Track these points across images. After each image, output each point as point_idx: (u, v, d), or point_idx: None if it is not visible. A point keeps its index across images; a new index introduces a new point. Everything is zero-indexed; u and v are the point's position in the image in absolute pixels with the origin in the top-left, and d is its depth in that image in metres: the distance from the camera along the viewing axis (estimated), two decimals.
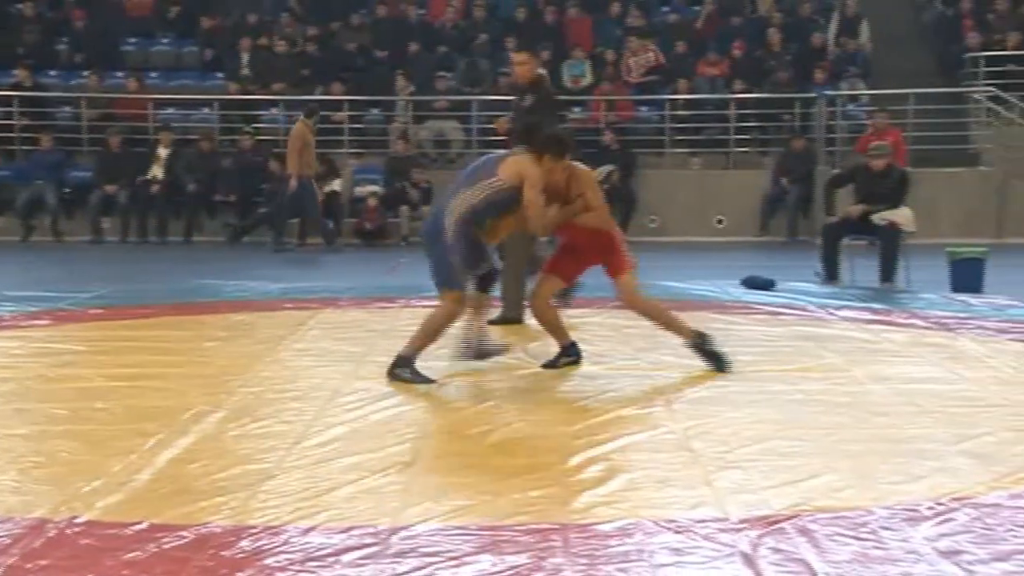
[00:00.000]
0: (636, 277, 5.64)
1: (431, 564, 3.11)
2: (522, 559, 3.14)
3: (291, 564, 3.12)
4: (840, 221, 9.21)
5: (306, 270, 10.86)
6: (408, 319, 7.21)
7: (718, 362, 5.53)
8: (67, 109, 14.45)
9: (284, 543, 3.27)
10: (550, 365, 5.64)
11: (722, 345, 5.64)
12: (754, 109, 14.24)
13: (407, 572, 3.06)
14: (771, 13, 15.42)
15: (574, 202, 5.42)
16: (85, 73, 14.57)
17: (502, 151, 5.55)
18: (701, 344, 5.57)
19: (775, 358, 6.02)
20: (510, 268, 6.72)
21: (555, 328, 5.71)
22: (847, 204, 9.45)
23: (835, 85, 14.50)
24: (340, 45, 15.25)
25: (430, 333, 5.36)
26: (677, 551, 3.22)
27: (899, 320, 7.25)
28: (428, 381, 5.28)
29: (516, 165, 5.26)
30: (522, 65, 6.90)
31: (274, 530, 3.36)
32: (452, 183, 5.47)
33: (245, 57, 14.74)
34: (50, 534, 3.33)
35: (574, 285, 6.21)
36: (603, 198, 5.54)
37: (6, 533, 3.32)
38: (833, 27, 15.39)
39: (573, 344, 5.70)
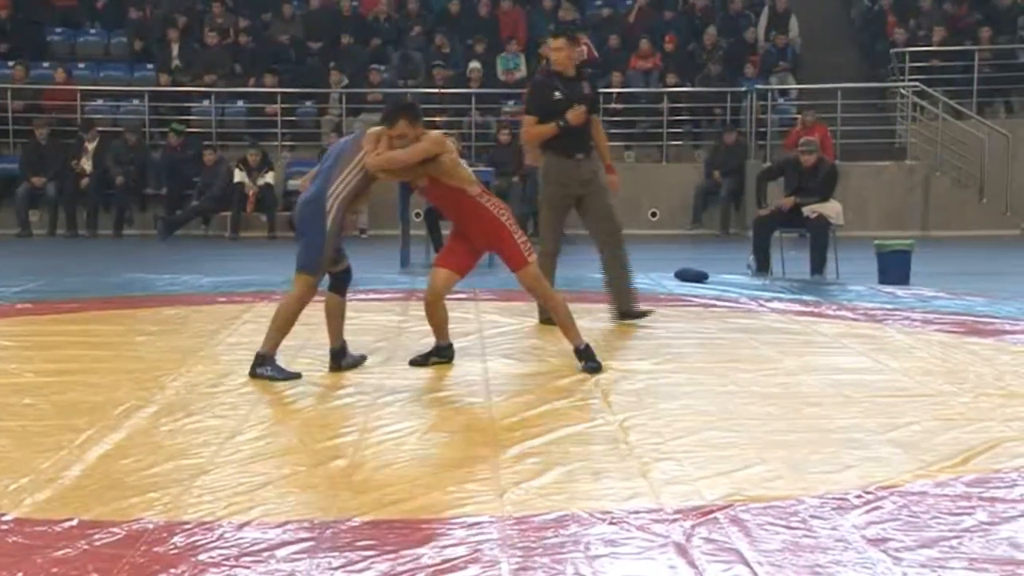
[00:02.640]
0: (536, 266, 5.53)
1: (367, 558, 3.11)
2: (458, 552, 3.15)
3: (225, 560, 3.10)
4: (771, 214, 9.33)
5: (239, 263, 10.75)
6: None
7: (592, 369, 5.42)
8: None
9: (218, 538, 3.24)
10: (418, 362, 5.57)
11: (600, 349, 5.63)
12: (687, 103, 14.37)
13: (343, 566, 3.06)
14: (703, 7, 15.57)
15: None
16: (10, 63, 14.27)
17: (349, 137, 5.53)
18: (587, 355, 5.48)
19: (708, 350, 6.09)
20: (616, 261, 6.77)
21: (438, 327, 5.61)
22: (778, 197, 9.58)
23: (765, 79, 14.70)
24: (272, 37, 15.11)
25: (284, 323, 5.32)
26: (612, 542, 3.25)
27: (828, 312, 7.38)
28: (293, 376, 5.27)
29: (373, 135, 5.29)
30: (559, 51, 6.73)
31: (208, 525, 3.33)
32: (320, 167, 5.37)
33: (175, 48, 14.53)
34: None
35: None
36: (422, 150, 5.25)
37: None
38: (763, 22, 15.59)
39: (449, 346, 5.65)
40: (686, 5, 15.89)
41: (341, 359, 5.48)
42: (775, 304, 7.64)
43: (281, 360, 5.35)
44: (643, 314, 6.86)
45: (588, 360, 5.47)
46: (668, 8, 15.81)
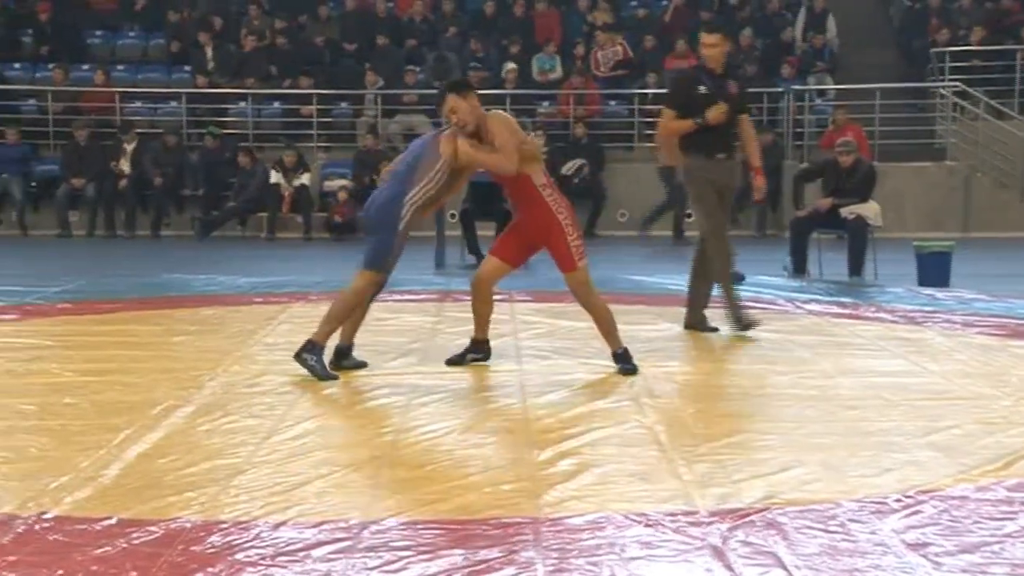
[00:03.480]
0: (587, 272, 5.44)
1: (402, 558, 3.11)
2: (493, 553, 3.15)
3: (261, 559, 3.11)
4: (808, 215, 9.27)
5: (276, 264, 10.81)
6: (378, 313, 7.20)
7: (630, 373, 5.39)
8: (32, 102, 14.31)
9: (254, 538, 3.26)
10: (455, 362, 5.55)
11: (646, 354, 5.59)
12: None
13: (378, 567, 3.06)
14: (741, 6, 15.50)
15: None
16: (50, 66, 14.43)
17: (429, 134, 5.55)
18: (623, 358, 5.45)
19: (744, 352, 6.06)
20: (707, 275, 6.54)
21: (480, 318, 5.57)
22: (815, 198, 9.52)
23: (803, 80, 14.60)
24: (308, 38, 15.18)
25: (338, 314, 5.31)
26: (648, 544, 3.23)
27: (867, 314, 7.32)
28: (331, 377, 5.26)
29: (450, 140, 5.29)
30: (713, 48, 6.51)
31: (244, 525, 3.35)
32: (397, 168, 5.37)
33: (209, 51, 14.62)
34: (18, 530, 3.30)
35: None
36: (514, 141, 5.26)
37: None
38: (800, 22, 15.49)
39: (486, 342, 5.61)
40: (723, 5, 15.82)
41: (344, 359, 5.42)
42: (812, 306, 7.59)
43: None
44: (714, 330, 6.54)
45: (624, 363, 5.45)
46: (704, 8, 15.74)
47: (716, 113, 6.41)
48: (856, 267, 9.04)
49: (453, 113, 5.28)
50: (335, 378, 5.28)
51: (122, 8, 15.73)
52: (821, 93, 14.60)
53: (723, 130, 6.53)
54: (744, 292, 8.16)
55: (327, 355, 5.33)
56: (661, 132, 6.89)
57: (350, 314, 5.37)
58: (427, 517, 3.43)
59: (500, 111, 5.48)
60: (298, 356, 5.29)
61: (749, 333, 6.36)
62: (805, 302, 7.73)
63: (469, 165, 5.36)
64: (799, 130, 13.98)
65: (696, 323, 6.61)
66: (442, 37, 15.12)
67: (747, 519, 3.40)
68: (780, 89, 14.13)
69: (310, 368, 5.24)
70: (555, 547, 3.20)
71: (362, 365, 5.49)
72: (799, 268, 9.21)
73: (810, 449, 4.18)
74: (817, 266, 9.31)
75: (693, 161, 6.58)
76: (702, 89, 6.47)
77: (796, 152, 13.90)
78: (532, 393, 5.08)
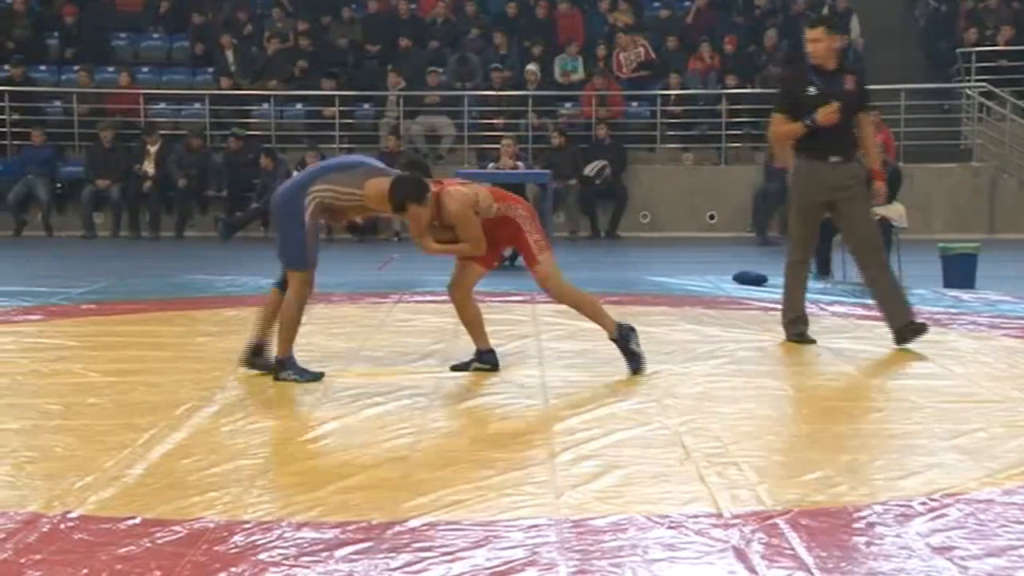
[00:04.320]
0: (553, 264, 5.39)
1: (425, 559, 3.11)
2: (516, 554, 3.14)
3: (284, 559, 3.12)
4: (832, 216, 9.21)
5: None
6: (400, 315, 7.22)
7: (634, 362, 5.35)
8: (58, 104, 14.41)
9: (277, 538, 3.26)
10: (460, 368, 5.44)
11: (644, 346, 5.48)
12: (747, 104, 14.25)
13: (401, 567, 3.06)
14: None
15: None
16: (75, 68, 14.52)
17: (374, 162, 5.39)
18: (624, 340, 5.37)
19: (767, 354, 6.03)
20: (883, 276, 6.13)
21: (475, 328, 5.47)
22: None
23: None
24: (331, 40, 15.22)
25: (290, 323, 5.25)
26: (670, 546, 3.22)
27: None
28: (316, 377, 5.24)
29: (382, 196, 5.14)
30: (817, 43, 6.03)
31: (267, 525, 3.35)
32: (314, 165, 5.32)
33: (230, 55, 14.67)
34: (44, 529, 3.32)
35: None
36: (474, 224, 5.25)
37: (0, 528, 3.32)
38: None
39: (491, 351, 5.48)
40: (747, 6, 15.76)
41: (257, 357, 5.33)
42: (836, 308, 7.54)
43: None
44: (922, 327, 6.06)
45: (626, 341, 5.38)
46: (728, 9, 15.69)
47: (826, 113, 5.92)
48: None
49: (416, 219, 5.18)
50: (320, 376, 5.26)
51: (147, 10, 15.82)
52: None
53: (838, 131, 5.99)
54: (767, 294, 8.14)
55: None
56: (771, 137, 6.53)
57: (300, 320, 5.27)
58: (449, 518, 3.42)
59: (453, 191, 5.31)
60: (277, 377, 5.24)
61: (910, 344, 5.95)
62: (828, 304, 7.68)
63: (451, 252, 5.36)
64: None
65: (903, 326, 6.04)
66: (464, 38, 15.13)
67: (770, 521, 3.38)
68: None
69: (294, 381, 5.20)
70: (577, 549, 3.19)
71: (269, 367, 5.31)
72: (823, 270, 9.16)
73: (834, 451, 4.15)
74: (841, 268, 9.26)
75: (803, 165, 6.19)
76: (812, 90, 6.02)
77: None
78: (554, 394, 5.07)
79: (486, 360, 5.49)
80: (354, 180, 5.19)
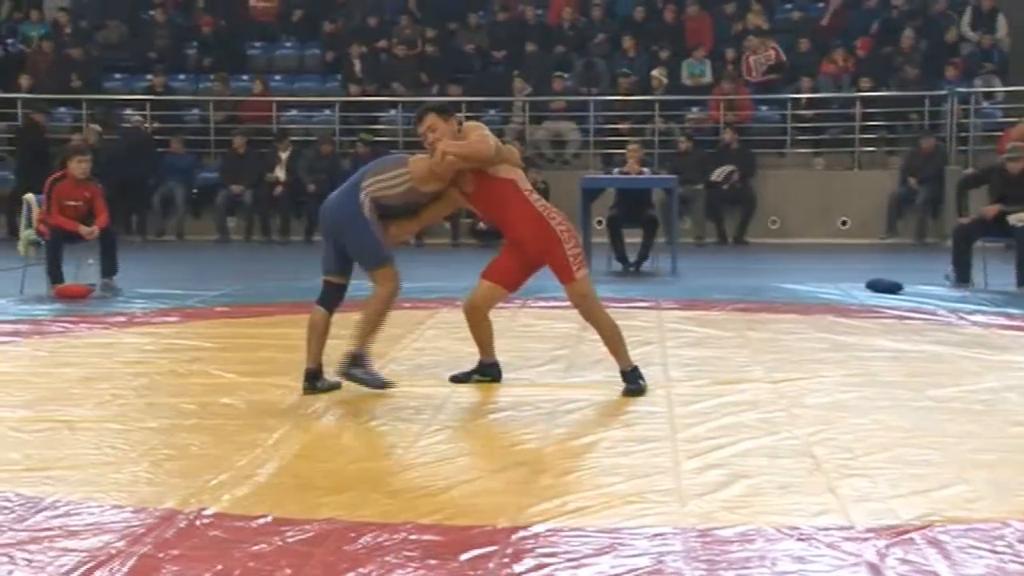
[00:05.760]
0: (588, 283, 5.10)
1: (549, 565, 3.09)
2: (641, 562, 3.11)
3: (410, 561, 3.14)
4: (973, 222, 8.92)
5: (424, 270, 10.96)
6: (525, 319, 7.23)
7: (634, 394, 5.08)
8: (195, 112, 14.87)
9: (403, 540, 3.29)
10: (459, 379, 5.28)
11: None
12: (881, 107, 13.89)
13: (525, 572, 3.05)
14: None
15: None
16: (212, 77, 14.96)
17: (397, 156, 5.36)
18: (632, 379, 5.13)
19: (902, 363, 5.85)
20: None
21: (481, 343, 5.29)
22: (980, 205, 9.15)
23: (969, 82, 14.04)
24: (458, 46, 15.36)
25: (376, 319, 5.10)
26: (800, 559, 3.14)
27: None
28: (384, 384, 5.11)
29: (422, 160, 5.08)
30: None
31: (393, 527, 3.38)
32: (357, 173, 5.24)
33: (357, 61, 14.91)
34: (180, 525, 3.41)
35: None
36: (482, 135, 5.01)
37: (140, 523, 3.43)
38: (966, 21, 14.91)
39: (494, 364, 5.32)
40: (885, 6, 15.36)
41: (316, 381, 5.15)
42: (977, 317, 7.28)
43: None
44: None
45: (631, 382, 5.12)
46: (863, 10, 15.32)
47: None
48: None
49: (431, 131, 5.03)
50: (389, 384, 5.14)
51: (280, 19, 16.21)
52: (988, 96, 14.02)
53: None
54: (903, 302, 7.91)
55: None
56: None
57: (382, 319, 5.13)
58: (573, 524, 3.40)
59: (474, 122, 5.26)
60: (345, 373, 5.11)
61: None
62: (969, 313, 7.42)
63: (440, 180, 5.07)
64: (963, 134, 13.46)
65: None
66: (591, 44, 15.10)
67: (906, 536, 3.27)
68: (943, 92, 13.64)
69: (360, 381, 5.10)
70: (704, 559, 3.14)
71: (336, 385, 5.17)
72: (962, 278, 8.86)
73: (974, 466, 4.00)
74: (982, 276, 8.94)
75: None
76: None
77: (960, 157, 13.39)
78: (679, 402, 5.00)
79: (488, 372, 5.31)
80: (398, 164, 5.15)
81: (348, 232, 5.09)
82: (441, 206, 5.33)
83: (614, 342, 5.19)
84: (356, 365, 5.14)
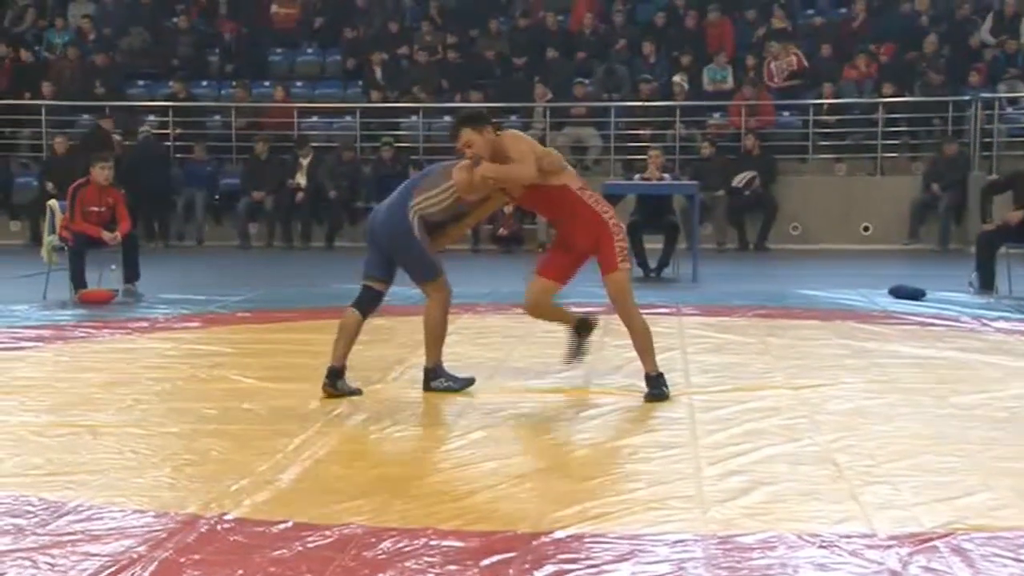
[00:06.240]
0: (628, 276, 5.24)
1: (570, 571, 3.09)
2: (661, 569, 3.10)
3: (431, 567, 3.14)
4: (997, 228, 8.87)
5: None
6: (546, 325, 7.21)
7: (656, 392, 5.15)
8: (217, 118, 14.94)
9: (423, 546, 3.29)
10: (575, 353, 5.55)
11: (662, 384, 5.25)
12: (904, 113, 13.83)
13: None
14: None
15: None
16: (233, 84, 15.03)
17: (447, 162, 5.37)
18: (656, 384, 5.17)
19: (924, 370, 5.82)
20: None
21: (562, 319, 5.60)
22: (1004, 211, 9.09)
23: (992, 87, 13.96)
24: (479, 52, 15.38)
25: (438, 333, 5.25)
26: (822, 566, 3.12)
27: None
28: (468, 382, 5.27)
29: (465, 168, 5.13)
30: None
31: (413, 532, 3.38)
32: (403, 183, 5.32)
33: (378, 68, 14.94)
34: (202, 530, 3.42)
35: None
36: (531, 152, 5.07)
37: (162, 527, 3.44)
38: (988, 26, 14.82)
39: (582, 320, 5.58)
40: (907, 11, 15.28)
41: (337, 380, 5.20)
42: (1001, 324, 7.23)
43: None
44: None
45: (654, 387, 5.16)
46: (887, 16, 15.25)
47: None
48: None
49: (468, 147, 5.10)
50: (472, 381, 5.30)
51: (301, 26, 16.27)
52: (1012, 101, 13.93)
53: None
54: (927, 309, 7.86)
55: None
56: None
57: (444, 329, 5.28)
58: (594, 530, 3.40)
59: (512, 130, 5.33)
60: (429, 386, 5.25)
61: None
62: (993, 320, 7.37)
63: (486, 189, 5.15)
64: (987, 140, 13.38)
65: None
66: (612, 50, 15.09)
67: (929, 544, 3.25)
68: (967, 97, 13.57)
69: (446, 389, 5.23)
70: (725, 565, 3.12)
71: (357, 392, 5.24)
72: (986, 284, 8.80)
73: (998, 474, 3.97)
74: (1006, 282, 8.87)
75: None
76: None
77: (984, 163, 13.31)
78: (700, 408, 4.99)
79: (583, 328, 5.57)
80: (441, 179, 5.22)
81: (400, 250, 5.24)
82: (488, 206, 5.43)
83: (644, 344, 5.25)
84: (436, 377, 5.27)
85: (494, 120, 5.23)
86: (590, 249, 5.25)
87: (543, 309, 5.52)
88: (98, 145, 13.27)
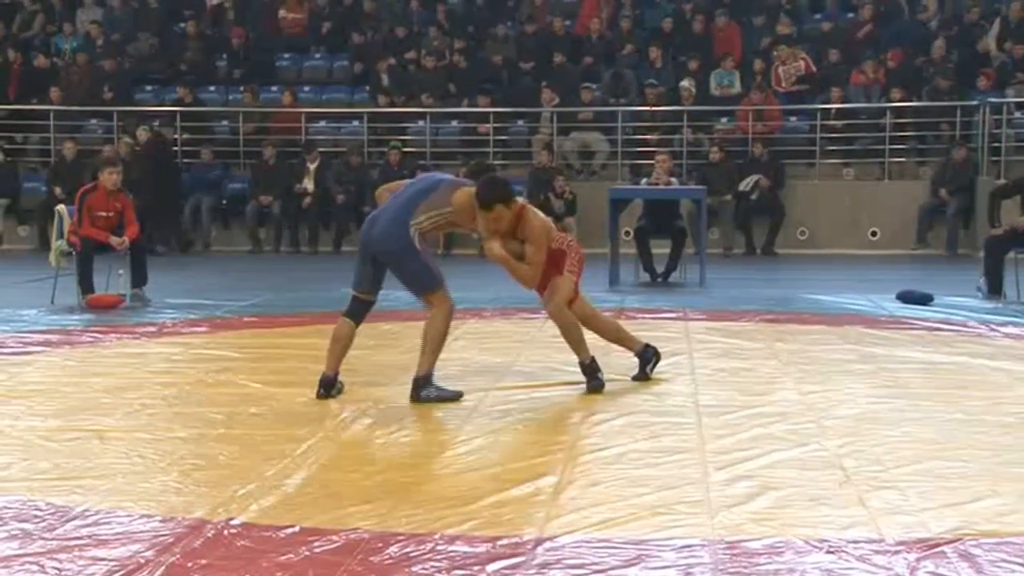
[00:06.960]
0: (571, 287, 5.46)
1: None
2: (669, 574, 3.09)
3: (437, 572, 3.14)
4: (1005, 233, 8.85)
5: (451, 281, 10.98)
6: (552, 330, 7.21)
7: (594, 382, 5.39)
8: (225, 123, 14.96)
9: (430, 551, 3.29)
10: (641, 375, 5.64)
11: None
12: (911, 118, 13.81)
13: None
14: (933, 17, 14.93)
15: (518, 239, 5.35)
16: (241, 89, 15.05)
17: (452, 178, 5.44)
18: (591, 370, 5.42)
19: (932, 375, 5.80)
20: None
21: (620, 340, 5.74)
22: (1012, 216, 9.07)
23: (1000, 92, 13.94)
24: (486, 57, 15.39)
25: (437, 343, 5.24)
26: (829, 572, 3.12)
27: None
28: (455, 396, 5.21)
29: (469, 205, 5.21)
30: None
31: (420, 538, 3.38)
32: (400, 194, 5.32)
33: (386, 73, 14.96)
34: (209, 534, 3.43)
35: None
36: (544, 250, 5.36)
37: (169, 532, 3.45)
38: (995, 31, 14.80)
39: (646, 347, 5.69)
40: (912, 16, 15.27)
41: (331, 389, 5.27)
42: (1009, 329, 7.21)
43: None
44: None
45: (591, 377, 5.41)
46: (895, 21, 15.23)
47: None
48: None
49: (495, 221, 5.23)
50: (460, 395, 5.23)
51: (309, 31, 16.30)
52: (1021, 106, 13.91)
53: None
54: (935, 314, 7.84)
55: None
56: None
57: (443, 341, 5.27)
58: (601, 536, 3.39)
59: (540, 214, 5.50)
60: (417, 396, 5.20)
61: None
62: (1001, 325, 7.36)
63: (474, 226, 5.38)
64: (995, 145, 13.36)
65: None
66: (619, 54, 15.09)
67: (937, 549, 3.24)
68: (975, 102, 13.54)
69: (435, 400, 5.19)
70: (732, 571, 3.12)
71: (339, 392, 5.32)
72: (994, 289, 8.78)
73: (1007, 479, 3.96)
74: (1014, 287, 8.85)
75: None
76: None
77: (992, 168, 13.28)
78: (707, 413, 4.98)
79: (647, 356, 5.70)
80: (443, 199, 5.25)
81: (400, 263, 5.26)
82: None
83: (574, 341, 5.47)
84: (424, 387, 5.22)
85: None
86: (552, 269, 5.51)
87: (586, 318, 5.64)
88: (160, 154, 13.34)
